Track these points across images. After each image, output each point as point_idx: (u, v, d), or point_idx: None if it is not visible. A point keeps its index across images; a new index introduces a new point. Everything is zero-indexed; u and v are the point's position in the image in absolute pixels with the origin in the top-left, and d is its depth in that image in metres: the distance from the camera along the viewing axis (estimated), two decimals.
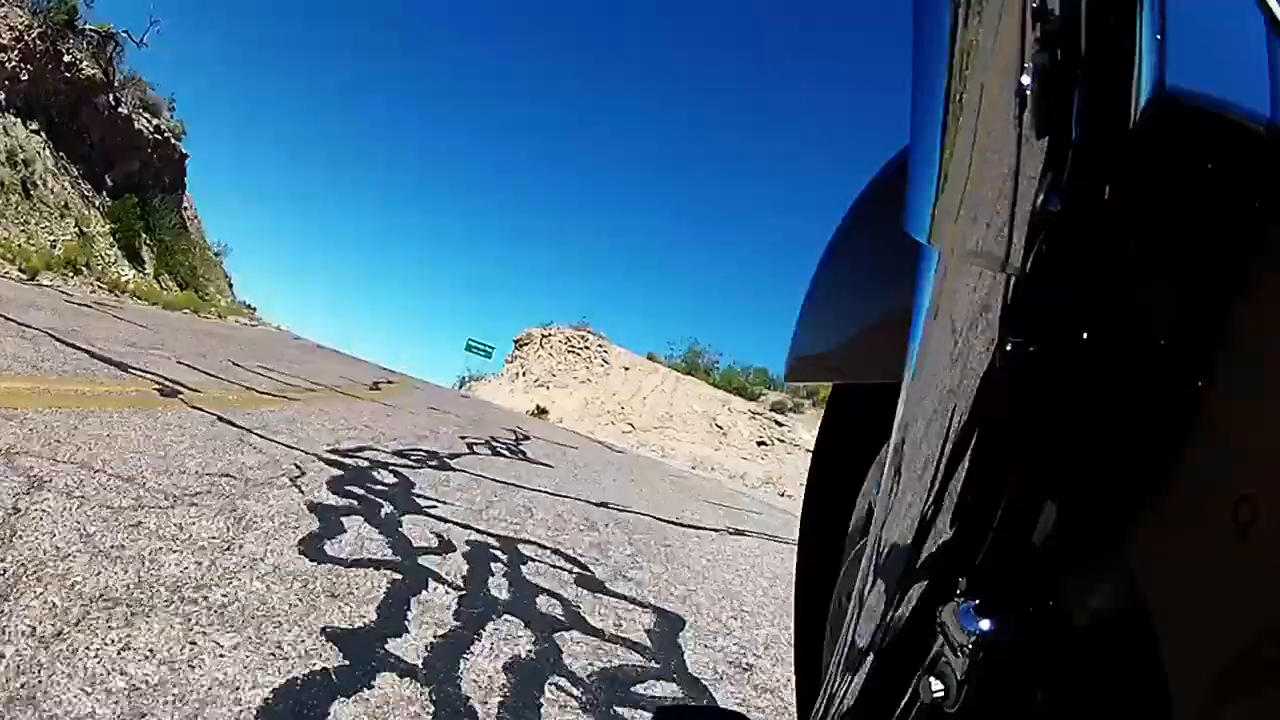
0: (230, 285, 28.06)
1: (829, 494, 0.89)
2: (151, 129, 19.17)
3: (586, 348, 32.87)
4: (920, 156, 0.44)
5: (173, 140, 20.34)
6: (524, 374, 32.95)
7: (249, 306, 26.97)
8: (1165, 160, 0.36)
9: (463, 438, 6.74)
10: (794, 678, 0.97)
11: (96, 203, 16.37)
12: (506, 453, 6.83)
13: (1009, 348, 0.40)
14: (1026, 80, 0.37)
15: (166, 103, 20.29)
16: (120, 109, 17.53)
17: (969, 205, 0.40)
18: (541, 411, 28.65)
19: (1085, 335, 0.38)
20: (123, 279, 14.48)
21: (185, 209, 22.64)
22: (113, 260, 15.32)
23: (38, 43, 15.69)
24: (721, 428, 27.68)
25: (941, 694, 0.41)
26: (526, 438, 8.79)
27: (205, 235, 25.84)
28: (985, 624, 0.39)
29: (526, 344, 34.33)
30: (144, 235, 17.01)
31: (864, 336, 0.80)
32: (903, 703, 0.44)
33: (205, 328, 11.82)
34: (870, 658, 0.48)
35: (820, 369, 0.97)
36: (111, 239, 15.76)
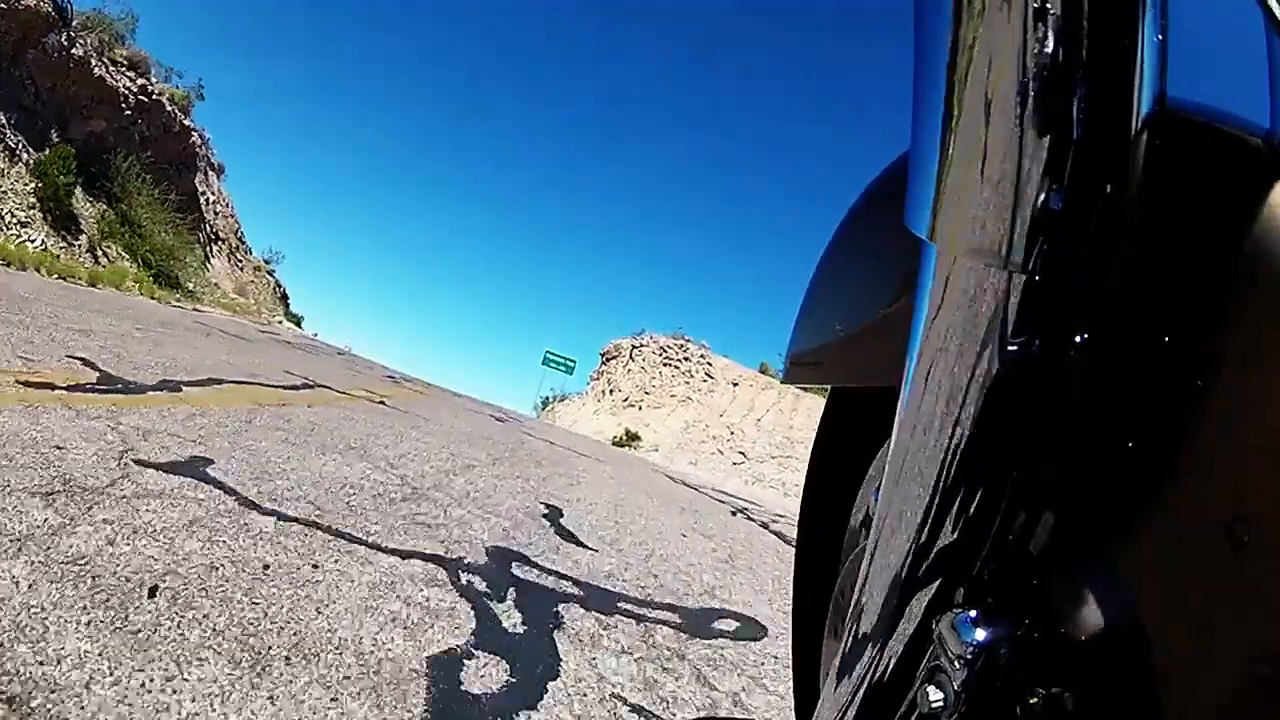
0: (284, 297, 24.18)
1: (828, 495, 0.84)
2: (135, 89, 14.69)
3: (686, 359, 26.46)
4: (922, 151, 0.41)
5: (168, 106, 15.86)
6: (611, 392, 26.90)
7: (293, 316, 22.94)
8: (1165, 167, 0.35)
9: None
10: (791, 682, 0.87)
11: (26, 158, 11.76)
12: None
13: (1010, 347, 0.38)
14: (1029, 78, 0.35)
15: (162, 65, 15.97)
16: (74, 50, 13.01)
17: (970, 202, 0.38)
18: (632, 438, 22.35)
19: (1085, 336, 0.36)
20: (13, 242, 9.49)
21: (202, 195, 18.28)
22: (23, 220, 10.51)
23: None
24: None
25: (940, 703, 0.40)
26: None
27: (243, 235, 21.78)
28: (982, 634, 0.38)
29: (614, 358, 28.36)
30: (83, 198, 12.24)
31: (861, 338, 0.74)
32: (901, 711, 0.43)
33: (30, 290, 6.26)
34: (869, 665, 0.46)
35: (818, 371, 0.87)
36: (34, 198, 11.02)
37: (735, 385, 25.52)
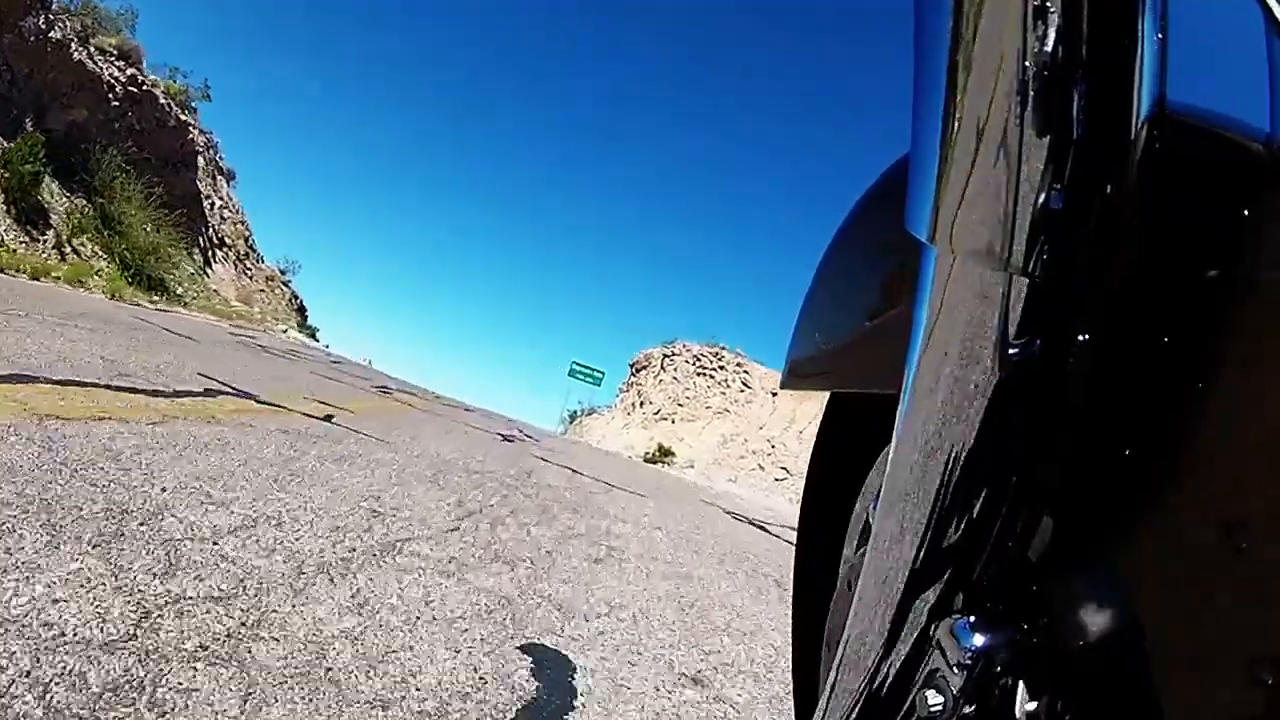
0: (301, 309, 23.00)
1: (827, 500, 0.83)
2: (124, 79, 13.45)
3: (721, 368, 24.46)
4: (922, 153, 0.41)
5: (161, 99, 14.61)
6: (641, 404, 25.00)
7: (308, 329, 21.69)
8: (1165, 169, 0.35)
9: None
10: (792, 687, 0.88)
11: None
12: None
13: (1011, 349, 0.37)
14: (1029, 78, 0.35)
15: (166, 66, 14.79)
16: (52, 34, 11.78)
17: (970, 204, 0.38)
18: (664, 454, 20.41)
19: (1085, 337, 0.36)
20: None
21: (206, 198, 17.03)
22: None
23: None
24: None
25: (939, 708, 0.39)
26: None
27: (254, 243, 20.60)
28: (981, 640, 0.38)
29: (645, 368, 26.49)
30: (58, 191, 10.91)
31: (861, 343, 0.74)
32: (900, 715, 0.43)
33: None
34: (868, 669, 0.45)
35: (818, 378, 0.87)
36: None
37: (775, 395, 23.44)
